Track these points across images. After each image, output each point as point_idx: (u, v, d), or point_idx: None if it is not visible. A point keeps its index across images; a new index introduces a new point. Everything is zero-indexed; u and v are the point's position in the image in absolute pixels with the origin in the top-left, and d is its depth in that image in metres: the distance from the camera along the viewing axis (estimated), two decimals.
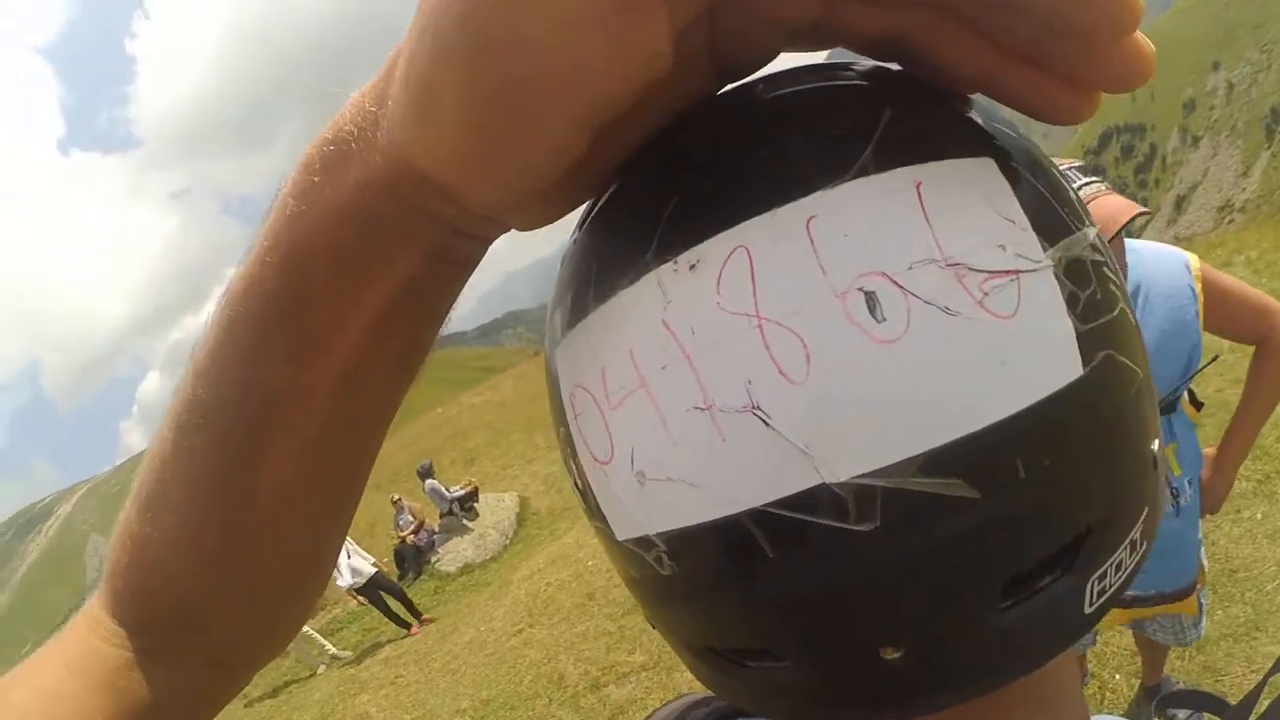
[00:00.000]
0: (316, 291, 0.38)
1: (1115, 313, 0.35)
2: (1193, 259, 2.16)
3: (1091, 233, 0.36)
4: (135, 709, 0.43)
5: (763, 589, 0.34)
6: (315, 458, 0.43)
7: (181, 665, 0.46)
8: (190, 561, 0.44)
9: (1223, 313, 2.14)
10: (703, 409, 0.32)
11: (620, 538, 0.39)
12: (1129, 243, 2.21)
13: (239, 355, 0.40)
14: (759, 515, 0.32)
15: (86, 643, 0.44)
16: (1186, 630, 2.55)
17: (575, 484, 0.41)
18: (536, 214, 0.37)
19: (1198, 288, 2.12)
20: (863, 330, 0.30)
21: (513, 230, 0.40)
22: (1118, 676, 3.40)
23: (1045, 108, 0.33)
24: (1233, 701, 0.88)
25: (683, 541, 0.35)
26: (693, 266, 0.33)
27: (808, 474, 0.31)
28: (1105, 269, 0.36)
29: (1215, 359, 2.18)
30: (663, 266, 0.34)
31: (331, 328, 0.39)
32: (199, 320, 0.42)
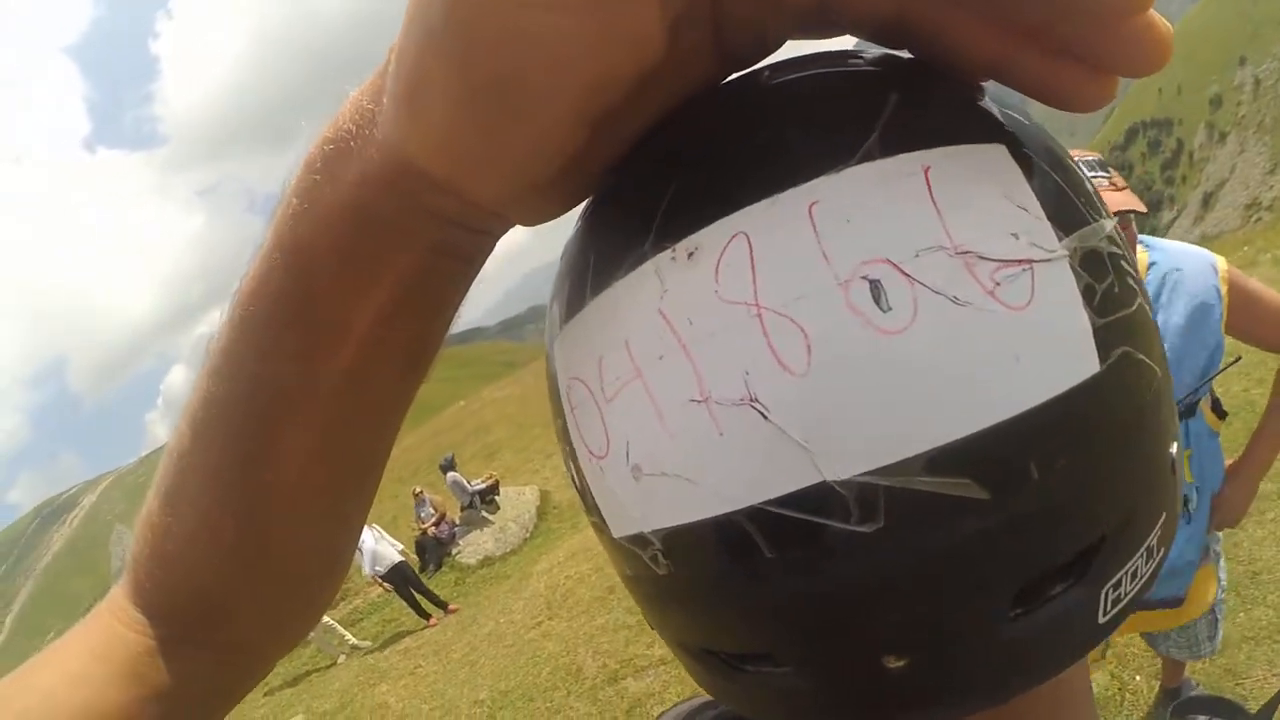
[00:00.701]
0: (321, 290, 0.38)
1: (1134, 308, 0.34)
2: (1220, 260, 2.11)
3: (1109, 225, 0.35)
4: (154, 695, 0.43)
5: (760, 590, 0.33)
6: (323, 455, 0.43)
7: (199, 656, 0.46)
8: (209, 554, 0.44)
9: (1248, 317, 2.09)
10: (699, 401, 0.31)
11: (616, 535, 0.38)
12: (1152, 240, 2.18)
13: (250, 353, 0.40)
14: (756, 513, 0.31)
15: (110, 629, 0.45)
16: (1201, 644, 2.50)
17: (573, 478, 0.40)
18: (539, 209, 0.37)
19: (1223, 290, 2.07)
20: (866, 320, 0.29)
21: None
22: (1138, 678, 3.36)
23: (1059, 92, 0.31)
24: (1252, 706, 0.87)
25: (678, 540, 0.34)
26: (690, 254, 0.32)
27: (807, 471, 0.30)
28: (1124, 263, 0.34)
29: (1237, 360, 2.12)
30: (660, 255, 0.33)
31: (337, 325, 0.39)
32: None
